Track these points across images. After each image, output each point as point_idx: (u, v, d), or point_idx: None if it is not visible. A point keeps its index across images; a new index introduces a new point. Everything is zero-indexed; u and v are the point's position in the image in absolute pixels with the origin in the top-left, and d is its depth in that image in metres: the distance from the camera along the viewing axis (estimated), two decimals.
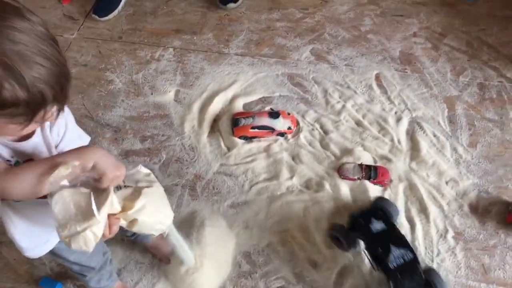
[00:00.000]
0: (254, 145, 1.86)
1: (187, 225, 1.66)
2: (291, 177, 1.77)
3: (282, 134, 1.87)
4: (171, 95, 2.05)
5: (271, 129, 1.85)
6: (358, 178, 1.73)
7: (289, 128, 1.86)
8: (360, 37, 2.22)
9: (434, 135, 1.86)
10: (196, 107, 1.99)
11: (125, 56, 2.21)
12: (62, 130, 1.00)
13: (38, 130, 0.93)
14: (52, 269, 1.63)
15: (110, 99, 2.05)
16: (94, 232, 0.78)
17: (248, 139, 1.87)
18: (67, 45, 2.26)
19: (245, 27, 2.29)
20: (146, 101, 2.03)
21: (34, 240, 1.14)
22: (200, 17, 2.34)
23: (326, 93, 2.01)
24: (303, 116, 1.94)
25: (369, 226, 1.45)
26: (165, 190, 0.97)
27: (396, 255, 1.37)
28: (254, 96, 2.02)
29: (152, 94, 2.05)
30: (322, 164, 1.80)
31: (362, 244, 1.54)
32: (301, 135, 1.88)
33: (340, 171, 1.77)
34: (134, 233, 1.52)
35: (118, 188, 0.87)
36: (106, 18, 2.35)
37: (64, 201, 0.78)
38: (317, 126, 1.91)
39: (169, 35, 2.27)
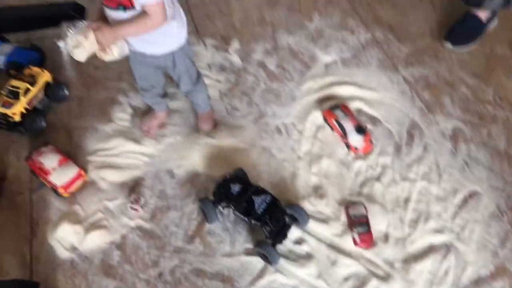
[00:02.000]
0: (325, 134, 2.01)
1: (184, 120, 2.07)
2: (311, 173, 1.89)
3: (348, 146, 1.94)
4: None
5: (344, 134, 1.94)
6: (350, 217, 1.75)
7: (356, 148, 1.92)
8: None
9: None
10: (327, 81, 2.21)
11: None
12: None
13: None
14: None
15: None
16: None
17: (325, 122, 2.04)
18: None
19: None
20: None
21: None
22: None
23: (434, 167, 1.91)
24: (379, 154, 1.94)
25: (230, 192, 1.68)
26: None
27: (259, 202, 1.64)
28: (370, 110, 2.09)
29: None
30: (343, 192, 1.84)
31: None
32: (358, 162, 1.91)
33: (348, 207, 1.79)
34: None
35: None
36: None
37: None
38: (379, 169, 1.90)
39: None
